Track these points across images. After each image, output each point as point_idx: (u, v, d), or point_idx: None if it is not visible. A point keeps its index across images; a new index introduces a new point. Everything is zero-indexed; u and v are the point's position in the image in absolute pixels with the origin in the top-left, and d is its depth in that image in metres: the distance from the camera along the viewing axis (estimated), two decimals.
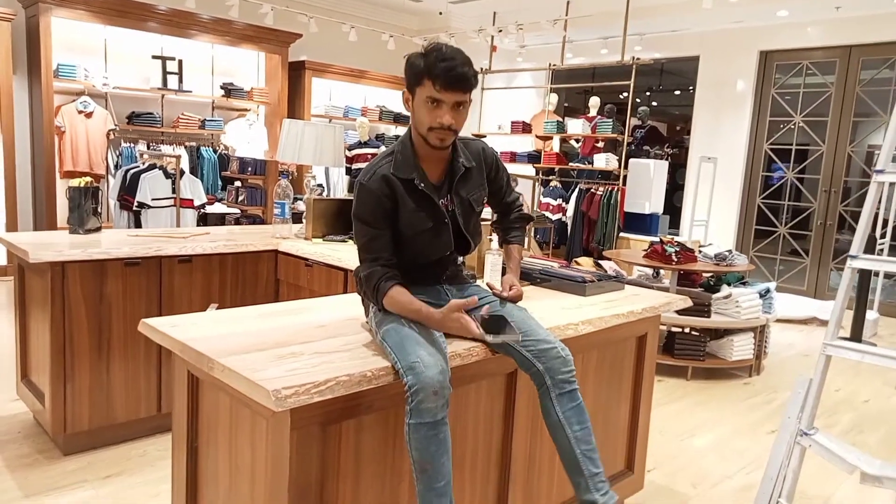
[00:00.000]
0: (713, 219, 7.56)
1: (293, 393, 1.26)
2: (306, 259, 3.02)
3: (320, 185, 7.08)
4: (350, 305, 1.98)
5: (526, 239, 2.13)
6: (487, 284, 1.85)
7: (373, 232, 1.60)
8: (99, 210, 3.09)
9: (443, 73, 1.49)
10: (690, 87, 10.49)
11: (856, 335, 5.44)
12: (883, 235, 5.59)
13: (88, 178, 3.06)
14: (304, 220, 3.42)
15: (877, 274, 5.79)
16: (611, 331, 2.10)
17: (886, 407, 3.91)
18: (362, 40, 7.70)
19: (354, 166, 7.24)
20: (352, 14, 7.97)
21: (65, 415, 2.61)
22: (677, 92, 11.14)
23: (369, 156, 7.30)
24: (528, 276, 2.46)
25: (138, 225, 5.24)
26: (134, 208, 5.20)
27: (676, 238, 6.27)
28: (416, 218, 1.61)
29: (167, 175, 5.25)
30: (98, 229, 3.06)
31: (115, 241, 2.83)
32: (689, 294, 4.70)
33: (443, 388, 1.37)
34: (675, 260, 4.43)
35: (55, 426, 2.61)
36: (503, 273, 1.91)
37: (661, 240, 4.95)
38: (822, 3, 6.36)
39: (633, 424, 2.41)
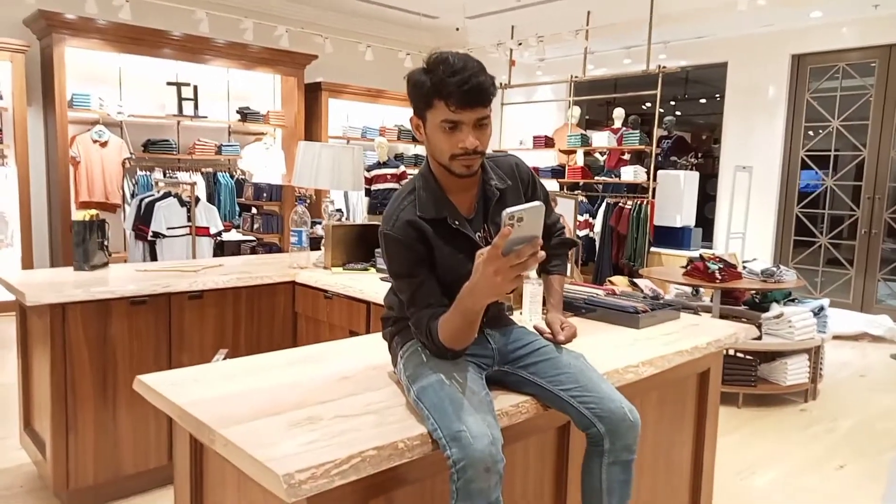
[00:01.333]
0: (749, 230, 7.22)
1: (310, 477, 1.02)
2: (325, 291, 2.80)
3: (339, 211, 6.88)
4: (374, 348, 1.74)
5: (569, 266, 1.89)
6: (535, 328, 1.60)
7: (415, 282, 1.36)
8: (106, 244, 2.90)
9: (456, 89, 1.25)
10: (717, 95, 10.19)
11: None
12: None
13: (94, 212, 2.88)
14: (322, 247, 3.21)
15: None
16: (673, 370, 1.83)
17: None
18: (378, 59, 7.55)
19: (374, 187, 7.05)
20: (367, 33, 7.83)
21: (67, 469, 2.40)
22: (703, 100, 10.85)
23: (389, 176, 7.11)
24: (572, 307, 2.21)
25: (153, 255, 5.09)
26: (149, 238, 5.05)
27: (713, 252, 5.96)
28: (453, 261, 1.37)
29: (182, 203, 5.09)
30: (105, 265, 2.87)
31: (120, 279, 2.63)
32: (735, 314, 4.40)
33: (495, 463, 1.13)
34: (719, 277, 4.14)
35: (57, 482, 2.39)
36: (543, 305, 1.65)
37: (701, 256, 4.65)
38: (857, 3, 6.06)
39: (696, 468, 2.14)
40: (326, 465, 1.04)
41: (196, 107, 6.56)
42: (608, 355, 1.71)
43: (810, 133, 7.10)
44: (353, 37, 7.51)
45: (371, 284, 2.70)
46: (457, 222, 1.37)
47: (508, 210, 1.12)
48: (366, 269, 3.04)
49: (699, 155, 10.31)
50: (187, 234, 5.08)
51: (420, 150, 8.77)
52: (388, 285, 2.73)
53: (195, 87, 6.55)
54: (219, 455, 1.29)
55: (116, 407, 2.50)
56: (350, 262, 3.12)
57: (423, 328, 1.33)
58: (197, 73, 6.63)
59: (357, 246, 3.18)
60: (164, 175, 6.34)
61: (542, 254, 1.15)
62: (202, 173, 6.63)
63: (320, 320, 2.85)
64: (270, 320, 2.93)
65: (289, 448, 1.09)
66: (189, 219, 5.08)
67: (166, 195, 5.14)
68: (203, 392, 1.37)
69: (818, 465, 3.11)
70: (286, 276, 2.96)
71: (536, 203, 1.15)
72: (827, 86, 6.94)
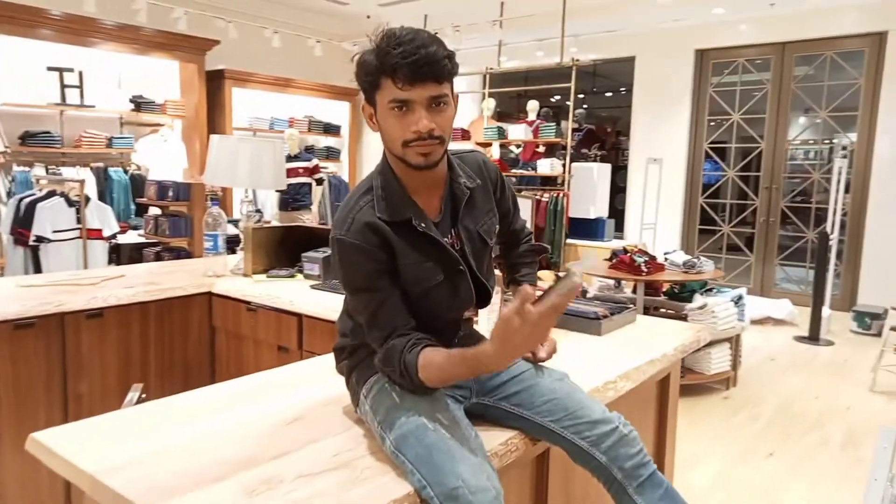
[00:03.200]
0: (658, 220, 7.45)
1: None
2: (248, 302, 2.52)
3: (259, 211, 6.46)
4: (320, 375, 1.53)
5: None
6: None
7: (377, 297, 1.15)
8: None
9: (401, 60, 1.08)
10: (622, 89, 10.50)
11: (814, 334, 5.40)
12: None
13: None
14: (238, 252, 2.91)
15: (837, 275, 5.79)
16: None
17: (869, 413, 3.76)
18: (287, 46, 7.14)
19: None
20: (274, 19, 7.39)
21: None
22: (609, 94, 11.13)
23: (301, 170, 6.75)
24: None
25: (37, 262, 4.52)
26: (31, 243, 4.48)
27: (635, 244, 6.07)
28: (420, 271, 1.18)
29: (70, 203, 4.55)
30: None
31: None
32: (656, 304, 4.47)
33: None
34: (645, 270, 4.18)
35: None
36: None
37: (625, 249, 4.70)
38: (756, 1, 6.34)
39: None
40: None
41: (82, 95, 5.91)
42: (581, 370, 1.58)
43: (713, 125, 7.40)
44: (259, 22, 7.06)
45: (301, 294, 2.45)
46: (423, 225, 1.18)
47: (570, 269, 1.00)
48: (292, 276, 2.78)
49: (603, 146, 10.60)
50: (77, 238, 4.56)
51: (331, 142, 8.42)
52: (320, 294, 2.52)
53: (80, 73, 5.90)
54: None
55: (1, 454, 2.12)
56: (273, 269, 2.84)
57: (395, 363, 1.13)
58: (82, 57, 5.96)
59: (280, 250, 2.91)
60: (47, 171, 5.68)
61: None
62: (91, 168, 6.00)
63: (243, 335, 2.57)
64: (184, 338, 2.61)
65: None
66: (79, 220, 4.55)
67: (51, 194, 4.57)
68: (120, 452, 1.11)
69: (749, 456, 3.17)
70: (201, 286, 2.65)
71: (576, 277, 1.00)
72: (728, 80, 7.25)
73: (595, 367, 1.62)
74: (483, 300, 1.31)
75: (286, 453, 1.11)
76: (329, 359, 1.67)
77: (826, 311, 5.52)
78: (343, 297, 1.29)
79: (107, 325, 2.38)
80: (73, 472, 1.06)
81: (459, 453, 1.02)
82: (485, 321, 1.85)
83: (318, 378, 1.53)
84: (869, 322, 5.57)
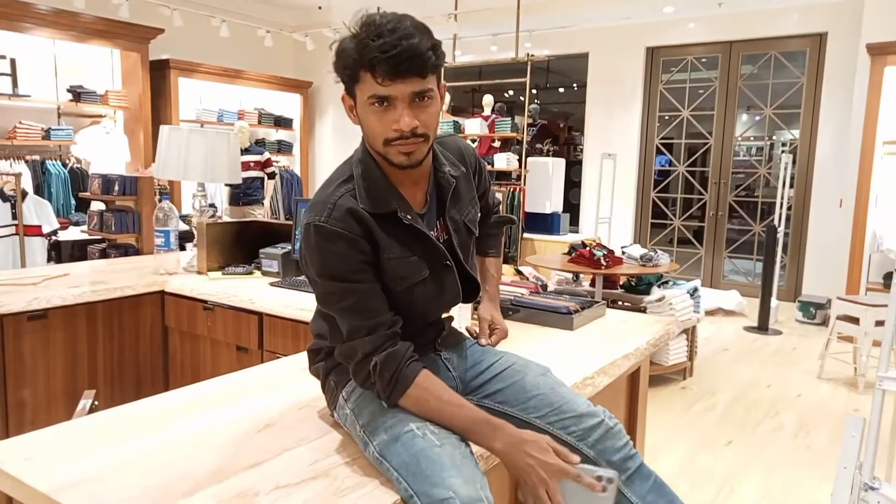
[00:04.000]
0: (613, 214, 7.56)
1: None
2: (204, 301, 2.40)
3: (213, 206, 6.23)
4: (289, 376, 1.45)
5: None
6: (466, 329, 1.40)
7: (356, 290, 1.08)
8: None
9: (381, 54, 1.00)
10: (574, 85, 10.61)
11: (763, 324, 5.56)
12: None
13: None
14: (190, 248, 2.78)
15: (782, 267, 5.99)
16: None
17: (819, 400, 3.89)
18: (235, 36, 6.92)
19: None
20: (221, 7, 7.14)
21: None
22: (561, 90, 11.23)
23: (252, 164, 6.56)
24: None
25: None
26: None
27: (593, 238, 6.13)
28: (404, 267, 1.12)
29: (5, 198, 4.29)
30: None
31: None
32: (614, 297, 4.51)
33: None
34: (604, 264, 4.21)
35: None
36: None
37: (583, 243, 4.73)
38: (705, 0, 6.48)
39: None
40: None
41: (15, 84, 5.58)
42: (556, 366, 1.54)
43: (665, 119, 7.55)
44: (206, 10, 6.81)
45: (260, 291, 2.36)
46: (409, 217, 1.11)
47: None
48: (249, 273, 2.67)
49: (556, 141, 10.71)
50: (13, 235, 4.30)
51: (283, 136, 8.22)
52: (280, 292, 2.42)
53: (13, 61, 5.57)
54: None
55: None
56: (229, 266, 2.73)
57: (393, 371, 1.05)
58: (15, 44, 5.63)
59: (236, 246, 2.79)
60: None
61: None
62: (27, 162, 5.68)
63: (199, 335, 2.45)
64: (135, 339, 2.48)
65: None
66: (14, 216, 4.30)
67: None
68: (76, 467, 1.02)
69: (708, 444, 3.23)
70: (153, 285, 2.52)
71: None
72: (678, 77, 7.40)
73: (570, 362, 1.60)
74: (470, 295, 1.26)
75: (260, 463, 1.04)
76: (296, 360, 1.60)
77: (773, 301, 5.70)
78: (313, 294, 1.22)
79: (51, 328, 2.23)
80: (23, 491, 0.97)
81: (449, 461, 0.96)
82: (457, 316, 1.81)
83: (287, 381, 1.45)
84: (814, 312, 5.78)
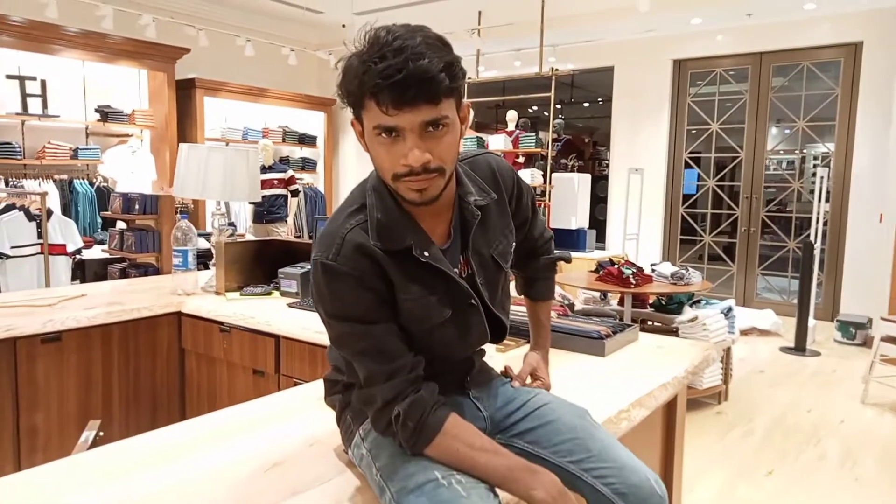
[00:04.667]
0: (640, 231, 7.40)
1: None
2: (221, 323, 2.34)
3: (232, 225, 6.23)
4: (302, 405, 1.36)
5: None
6: (505, 369, 1.29)
7: (372, 332, 0.97)
8: None
9: (383, 80, 0.87)
10: (599, 100, 10.50)
11: (800, 345, 5.35)
12: None
13: None
14: (210, 267, 2.73)
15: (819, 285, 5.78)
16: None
17: (864, 427, 3.69)
18: (260, 55, 6.96)
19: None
20: (246, 27, 7.21)
21: None
22: (586, 104, 11.13)
23: (275, 181, 6.56)
24: (520, 331, 1.93)
25: None
26: None
27: (606, 253, 5.98)
28: (423, 308, 1.01)
29: (30, 217, 4.32)
30: None
31: None
32: (644, 317, 4.36)
33: None
34: (633, 283, 4.07)
35: None
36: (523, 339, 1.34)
37: (611, 260, 4.60)
38: (733, 11, 6.34)
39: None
40: None
41: (45, 104, 5.68)
42: (588, 397, 1.44)
43: (693, 133, 7.39)
44: (231, 30, 6.87)
45: (278, 313, 2.28)
46: (426, 253, 1.00)
47: None
48: (268, 294, 2.61)
49: (580, 156, 10.59)
50: (38, 254, 4.32)
51: (306, 153, 8.24)
52: (298, 314, 2.34)
53: (43, 82, 5.67)
54: None
55: None
56: (248, 286, 2.66)
57: (417, 419, 0.95)
58: (45, 65, 5.73)
59: (255, 265, 2.73)
60: (7, 184, 5.41)
61: None
62: (55, 181, 5.75)
63: (215, 358, 2.38)
64: (151, 361, 2.42)
65: None
66: (40, 235, 4.31)
67: (9, 208, 4.33)
68: None
69: (748, 473, 3.06)
70: (170, 306, 2.46)
71: None
72: (706, 90, 7.25)
73: (602, 393, 1.49)
74: (498, 335, 1.15)
75: None
76: (311, 389, 1.51)
77: (811, 321, 5.48)
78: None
79: (65, 350, 2.18)
80: None
81: None
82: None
83: (300, 412, 1.36)
84: (853, 332, 5.54)
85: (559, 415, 1.11)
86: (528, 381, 1.27)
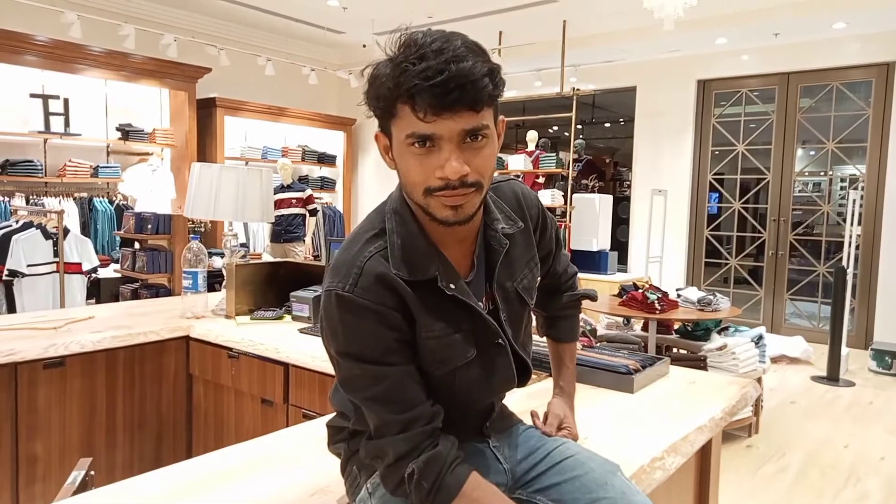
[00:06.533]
0: (663, 253, 7.23)
1: None
2: (229, 349, 2.25)
3: (244, 245, 6.18)
4: (306, 446, 1.26)
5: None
6: (532, 418, 1.17)
7: (388, 375, 0.87)
8: None
9: (423, 82, 0.79)
10: (621, 120, 10.39)
11: (833, 374, 5.13)
12: None
13: None
14: (221, 288, 2.65)
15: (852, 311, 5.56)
16: None
17: None
18: (280, 74, 6.98)
19: (277, 212, 6.42)
20: (266, 47, 7.24)
21: None
22: (607, 124, 11.02)
23: (294, 201, 6.51)
24: (542, 365, 1.81)
25: (10, 298, 4.25)
26: (4, 278, 4.21)
27: (629, 276, 5.83)
28: (446, 347, 0.91)
29: (46, 235, 4.30)
30: None
31: None
32: (668, 343, 4.20)
33: None
34: (659, 308, 3.92)
35: None
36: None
37: (635, 284, 4.45)
38: (760, 31, 6.22)
39: None
40: None
41: (67, 123, 5.71)
42: (616, 441, 1.32)
43: (716, 154, 7.23)
44: (252, 49, 6.90)
45: (288, 339, 2.19)
46: (452, 286, 0.90)
47: None
48: (279, 318, 2.52)
49: (601, 177, 10.46)
50: (54, 272, 4.29)
51: (326, 173, 8.22)
52: (309, 340, 2.24)
53: (66, 101, 5.71)
54: None
55: None
56: (259, 309, 2.58)
57: (433, 477, 0.84)
58: (67, 84, 5.78)
59: (267, 288, 2.65)
60: (28, 201, 5.44)
61: None
62: (75, 199, 5.76)
63: (223, 385, 2.29)
64: (157, 387, 2.33)
65: None
66: (56, 253, 4.29)
67: (27, 226, 4.32)
68: None
69: None
70: (177, 330, 2.38)
71: None
72: (731, 111, 7.11)
73: (632, 436, 1.36)
74: (523, 378, 1.04)
75: None
76: (318, 425, 1.41)
77: (843, 349, 5.26)
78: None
79: (68, 376, 2.10)
80: None
81: None
82: None
83: (304, 454, 1.26)
84: (889, 361, 5.31)
85: (588, 468, 0.99)
86: (558, 429, 1.15)
